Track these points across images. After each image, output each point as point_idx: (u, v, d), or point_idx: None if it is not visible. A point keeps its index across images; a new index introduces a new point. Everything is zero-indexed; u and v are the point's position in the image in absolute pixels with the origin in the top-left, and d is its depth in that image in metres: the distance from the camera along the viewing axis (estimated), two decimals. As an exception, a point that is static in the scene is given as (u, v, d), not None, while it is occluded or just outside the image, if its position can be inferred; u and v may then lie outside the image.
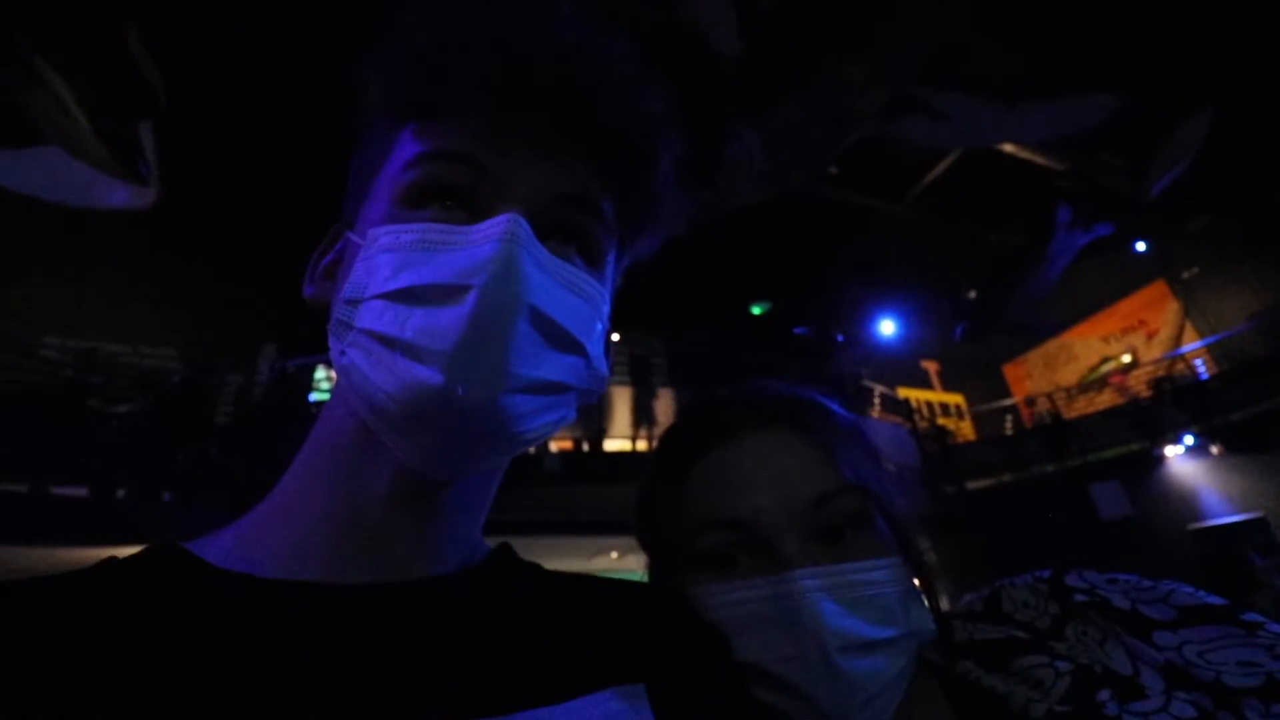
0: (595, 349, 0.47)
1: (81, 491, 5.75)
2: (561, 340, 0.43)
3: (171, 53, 4.95)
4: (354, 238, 0.46)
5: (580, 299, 0.44)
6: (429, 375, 0.38)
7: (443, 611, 0.43)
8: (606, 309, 0.49)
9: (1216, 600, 0.53)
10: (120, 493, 5.98)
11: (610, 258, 0.50)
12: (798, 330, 11.95)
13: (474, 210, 0.44)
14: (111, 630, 0.35)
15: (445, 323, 0.38)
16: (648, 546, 0.64)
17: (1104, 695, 0.49)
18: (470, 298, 0.38)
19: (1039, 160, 8.72)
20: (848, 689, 0.51)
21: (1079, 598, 0.56)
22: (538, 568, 0.51)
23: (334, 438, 0.46)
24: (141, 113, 4.87)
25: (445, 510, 0.46)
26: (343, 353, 0.43)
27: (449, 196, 0.44)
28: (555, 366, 0.43)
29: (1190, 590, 0.54)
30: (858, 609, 0.52)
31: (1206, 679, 0.48)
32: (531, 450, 9.40)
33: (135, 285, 8.96)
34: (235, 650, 0.35)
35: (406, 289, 0.40)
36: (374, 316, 0.41)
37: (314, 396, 8.20)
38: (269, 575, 0.40)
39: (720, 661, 0.51)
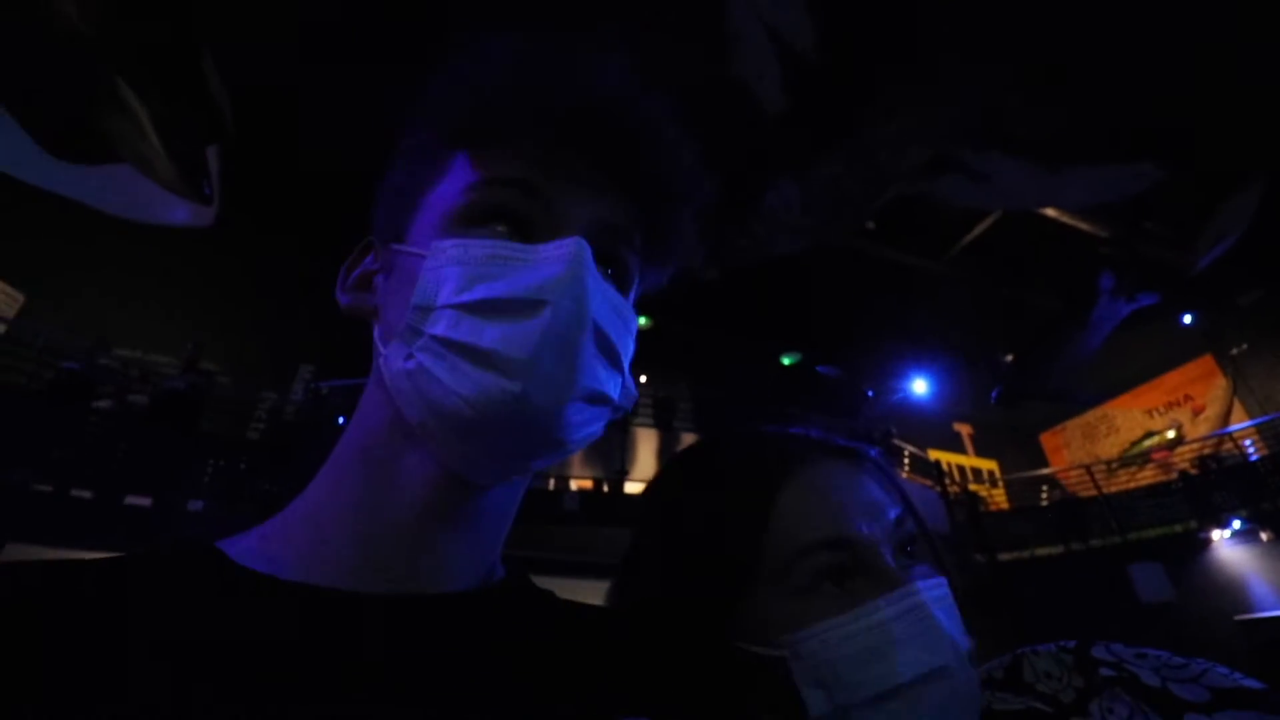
0: (628, 371, 0.51)
1: (128, 498, 5.90)
2: (612, 356, 0.47)
3: (236, 80, 5.24)
4: (408, 249, 0.48)
5: (623, 323, 0.48)
6: (507, 383, 0.41)
7: (455, 629, 0.43)
8: (634, 332, 0.52)
9: (1254, 684, 0.50)
10: (148, 501, 6.11)
11: (634, 286, 0.54)
12: (821, 369, 11.81)
13: (531, 234, 0.47)
14: (131, 616, 0.36)
15: (523, 333, 0.42)
16: (701, 581, 0.59)
17: None
18: (546, 312, 0.42)
19: (1082, 226, 8.63)
20: (973, 699, 0.50)
21: (1106, 671, 0.54)
22: (552, 595, 0.52)
23: (368, 441, 0.47)
24: (210, 136, 5.13)
25: (472, 521, 0.47)
26: (409, 356, 0.44)
27: (510, 220, 0.47)
28: (607, 380, 0.46)
29: (1225, 671, 0.52)
30: (955, 622, 0.52)
31: None
32: (551, 487, 9.38)
33: (183, 300, 9.31)
34: (245, 647, 0.36)
35: (483, 300, 0.43)
36: (449, 325, 0.43)
37: (343, 419, 8.34)
38: (289, 578, 0.41)
39: (730, 699, 0.51)
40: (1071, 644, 0.58)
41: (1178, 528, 9.49)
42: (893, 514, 0.57)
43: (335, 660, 0.37)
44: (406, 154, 0.52)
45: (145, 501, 6.05)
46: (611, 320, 0.46)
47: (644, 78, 0.50)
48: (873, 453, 0.64)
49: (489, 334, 0.42)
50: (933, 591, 0.52)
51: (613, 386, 0.47)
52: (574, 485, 9.82)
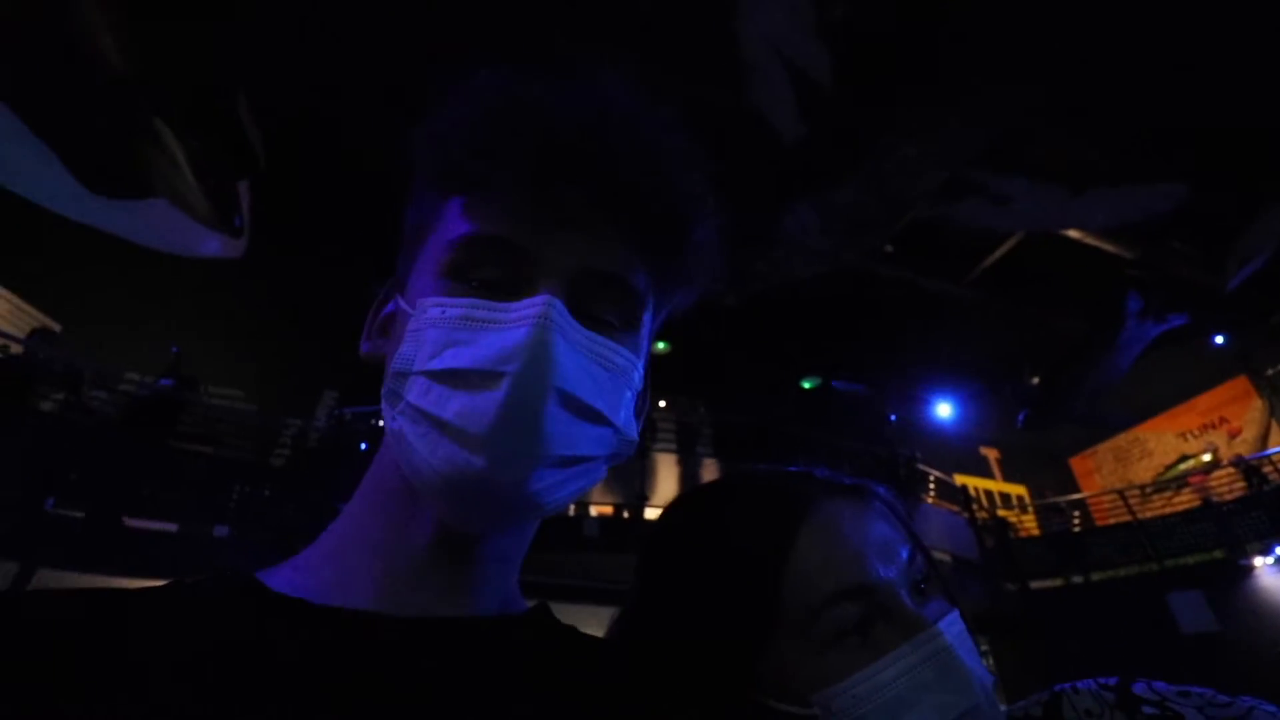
0: (625, 416, 0.49)
1: (148, 524, 5.98)
2: (590, 415, 0.45)
3: (270, 109, 5.42)
4: (404, 304, 0.49)
5: (610, 372, 0.47)
6: (466, 457, 0.41)
7: (479, 649, 0.45)
8: (639, 373, 0.51)
9: None
10: (174, 527, 6.19)
11: (646, 318, 0.52)
12: (837, 384, 11.68)
13: (514, 286, 0.46)
14: (175, 639, 0.38)
15: (480, 407, 0.41)
16: (717, 633, 0.56)
17: None
18: (504, 385, 0.41)
19: (1107, 246, 8.51)
20: None
21: (1149, 710, 0.52)
22: (573, 628, 0.52)
23: (382, 485, 0.50)
24: (242, 171, 5.30)
25: (481, 559, 0.49)
26: (394, 418, 0.46)
27: (490, 275, 0.47)
28: (584, 441, 0.45)
29: (1272, 709, 0.50)
30: (975, 657, 0.52)
31: None
32: (571, 513, 9.34)
33: (210, 327, 9.52)
34: (281, 666, 0.38)
35: (448, 370, 0.43)
36: (420, 393, 0.44)
37: (365, 445, 8.41)
38: (319, 601, 0.43)
39: None
40: (1113, 681, 0.57)
41: (1218, 554, 9.16)
42: (904, 552, 0.57)
43: (359, 674, 0.39)
44: (414, 197, 0.53)
45: (171, 528, 6.13)
46: (588, 379, 0.45)
47: (642, 98, 0.49)
48: (879, 490, 0.63)
49: (452, 406, 0.42)
50: (952, 629, 0.52)
51: (594, 443, 0.46)
52: (594, 511, 9.75)
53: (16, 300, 8.22)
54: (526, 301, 0.44)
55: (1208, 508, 9.90)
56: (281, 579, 0.46)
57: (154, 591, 0.42)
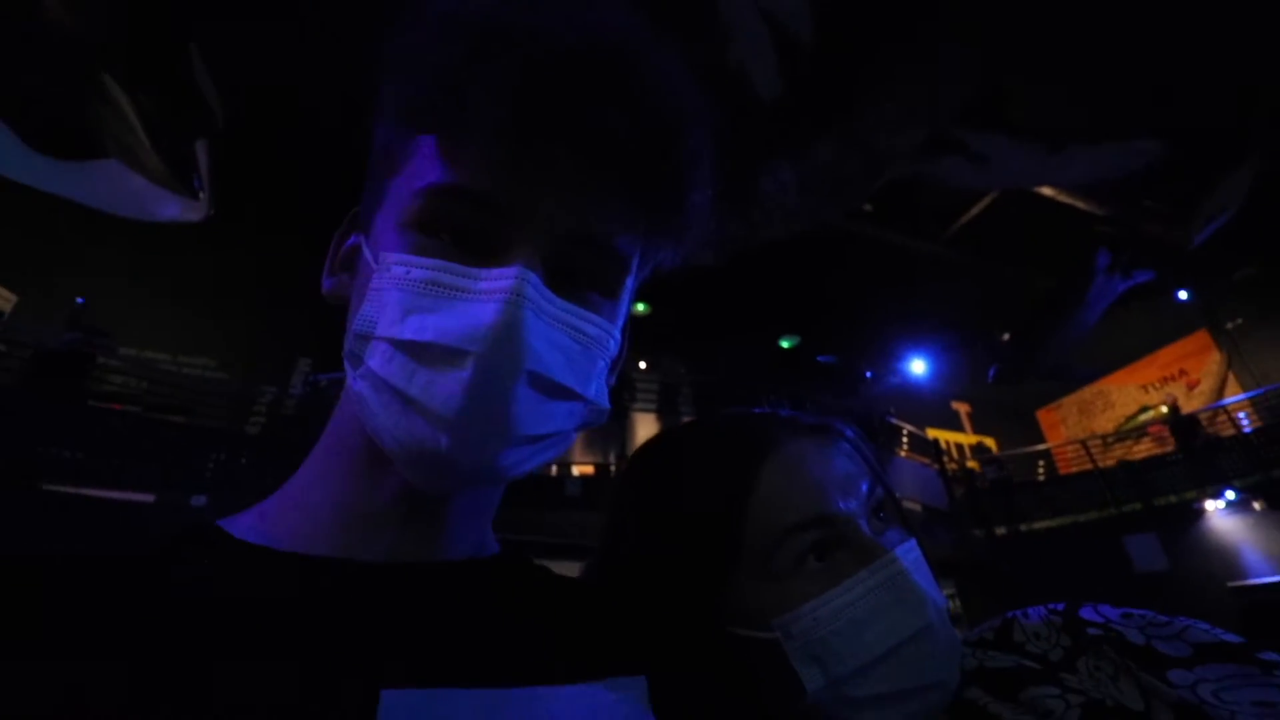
0: (596, 388, 0.46)
1: (125, 496, 5.91)
2: (560, 393, 0.43)
3: (228, 74, 5.19)
4: (367, 252, 0.46)
5: (583, 344, 0.44)
6: (431, 434, 0.39)
7: (449, 591, 0.44)
8: (615, 339, 0.48)
9: (1233, 638, 0.52)
10: (151, 497, 6.13)
11: (628, 283, 0.49)
12: (821, 358, 11.84)
13: (487, 244, 0.42)
14: (142, 591, 0.37)
15: (446, 387, 0.39)
16: (683, 568, 0.59)
17: None
18: (469, 365, 0.38)
19: (1079, 204, 8.61)
20: (954, 651, 0.53)
21: (1092, 631, 0.56)
22: (545, 567, 0.53)
23: (344, 441, 0.47)
24: (199, 130, 5.09)
25: (451, 512, 0.48)
26: (355, 380, 0.43)
27: (460, 230, 0.43)
28: (551, 419, 0.43)
29: (1206, 627, 0.54)
30: (930, 582, 0.55)
31: (1220, 718, 0.47)
32: (553, 473, 9.42)
33: (178, 295, 9.27)
34: (245, 615, 0.37)
35: (412, 342, 0.40)
36: (383, 361, 0.41)
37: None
38: (285, 549, 0.43)
39: (725, 676, 0.51)
40: (1060, 606, 0.60)
41: (1172, 499, 9.60)
42: (864, 485, 0.58)
43: (328, 622, 0.38)
44: (381, 125, 0.48)
45: (148, 498, 6.07)
46: (560, 356, 0.42)
47: (643, 24, 0.43)
48: (838, 425, 0.65)
49: (417, 380, 0.40)
50: (909, 556, 0.54)
51: (563, 419, 0.44)
52: (576, 471, 9.86)
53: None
54: (497, 272, 0.40)
55: (1164, 456, 10.33)
56: (244, 526, 0.45)
57: (112, 554, 0.40)
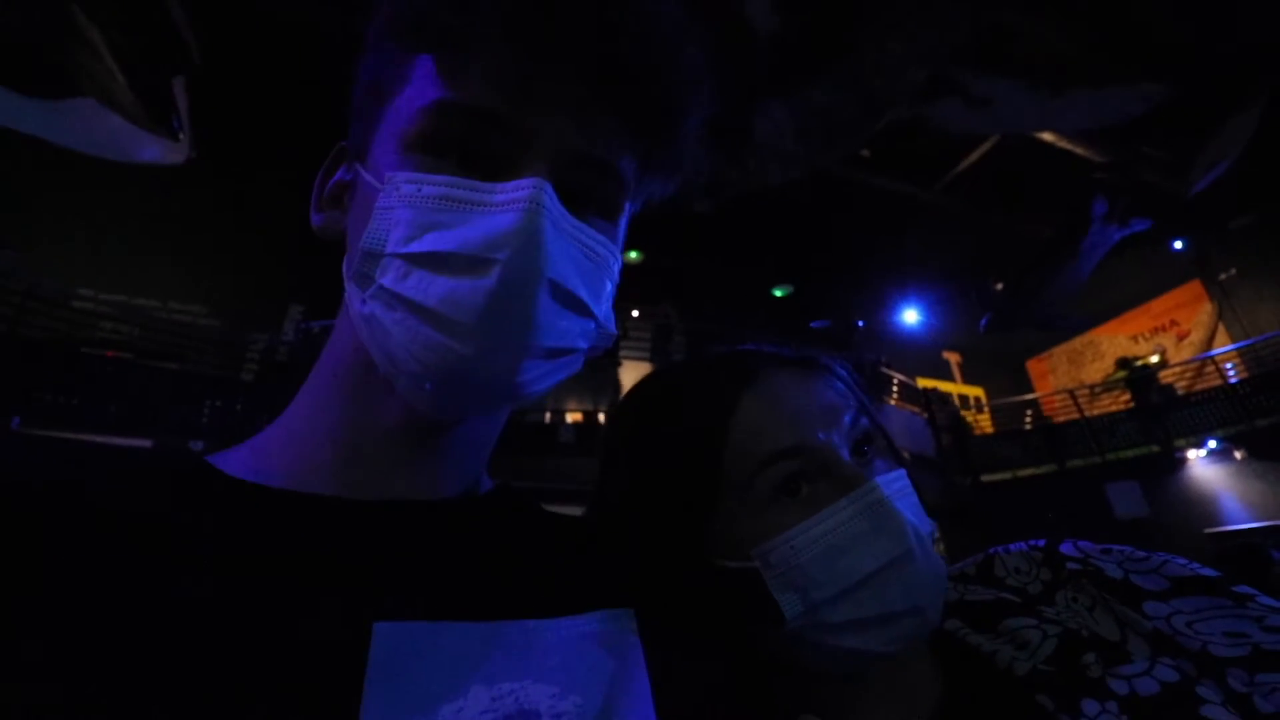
0: (605, 308, 0.47)
1: (125, 441, 5.94)
2: (577, 306, 0.43)
3: (207, 8, 4.97)
4: (366, 176, 0.45)
5: (594, 263, 0.44)
6: (453, 344, 0.39)
7: (443, 528, 0.45)
8: (618, 264, 0.48)
9: (1209, 572, 0.53)
10: (149, 443, 6.17)
11: (626, 207, 0.50)
12: (814, 324, 11.84)
13: (495, 164, 0.42)
14: (132, 524, 0.37)
15: (469, 295, 0.38)
16: (666, 503, 0.59)
17: (1089, 658, 0.51)
18: (494, 272, 0.38)
19: (1078, 150, 8.49)
20: (937, 580, 0.53)
21: (1071, 566, 0.57)
22: (537, 504, 0.54)
23: (341, 369, 0.47)
24: (175, 67, 4.90)
25: (450, 446, 0.48)
26: (363, 302, 0.42)
27: (468, 149, 0.42)
28: (569, 334, 0.43)
29: (1184, 562, 0.55)
30: (914, 510, 0.54)
31: (1193, 648, 0.49)
32: (546, 420, 9.51)
33: (168, 242, 9.10)
34: (240, 552, 0.37)
35: (431, 253, 0.40)
36: (397, 276, 0.40)
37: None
38: (278, 485, 0.42)
39: (707, 605, 0.53)
40: (1041, 543, 0.61)
41: (1155, 448, 9.81)
42: (848, 416, 0.57)
43: (322, 559, 0.39)
44: (372, 51, 0.46)
45: (146, 443, 6.11)
46: (575, 270, 0.42)
47: None
48: (823, 358, 0.65)
49: (435, 291, 0.39)
50: (893, 485, 0.54)
51: (578, 336, 0.45)
52: (569, 418, 9.96)
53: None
54: (515, 183, 0.40)
55: (1148, 405, 10.50)
56: (237, 462, 0.45)
57: (101, 479, 0.40)
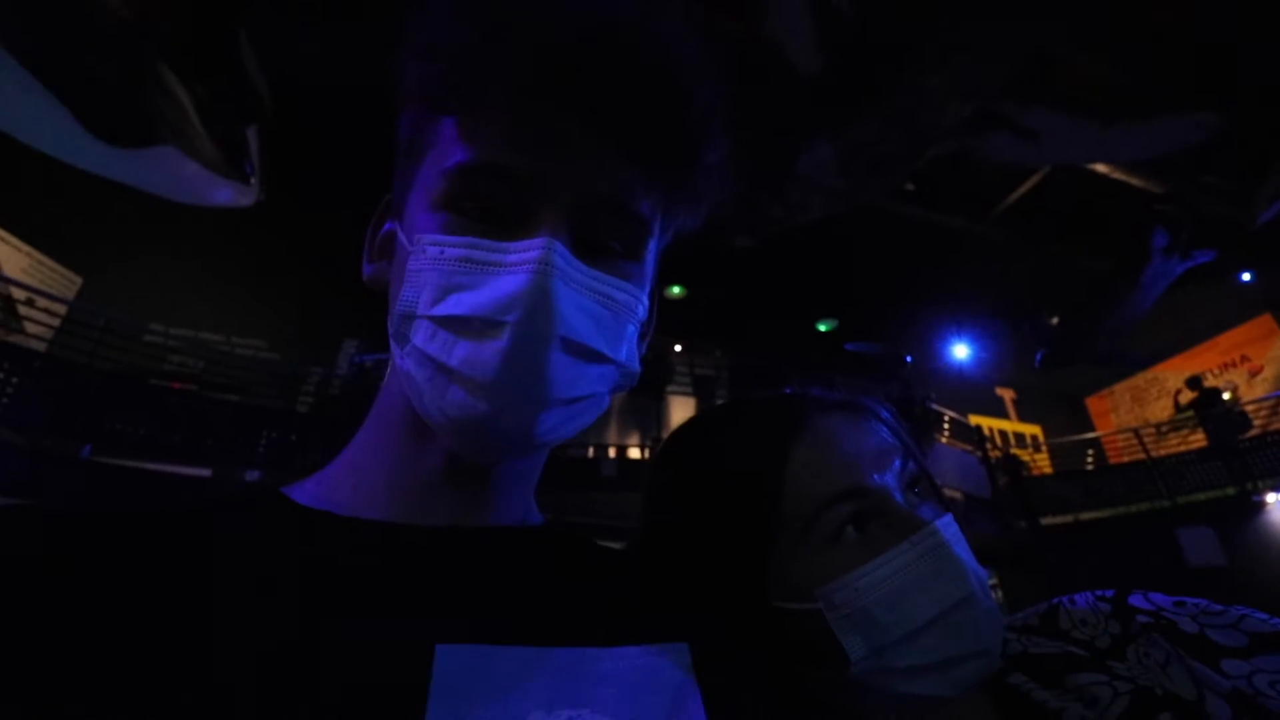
0: (627, 351, 0.49)
1: (186, 470, 6.21)
2: (592, 357, 0.45)
3: (272, 56, 5.31)
4: (402, 236, 0.48)
5: (612, 310, 0.46)
6: (473, 403, 0.42)
7: (499, 554, 0.48)
8: (643, 304, 0.50)
9: None
10: (208, 472, 6.42)
11: (651, 245, 0.51)
12: (849, 346, 11.61)
13: (514, 218, 0.44)
14: (202, 548, 0.40)
15: (484, 356, 0.41)
16: (722, 544, 0.60)
17: (1165, 718, 0.48)
18: (506, 334, 0.41)
19: (1134, 181, 8.23)
20: (997, 622, 0.53)
21: (1142, 619, 0.55)
22: (589, 537, 0.55)
23: (391, 415, 0.50)
24: (250, 117, 5.23)
25: (496, 478, 0.51)
26: (402, 358, 0.46)
27: (489, 206, 0.45)
28: (586, 382, 0.45)
29: (1264, 617, 0.52)
30: (968, 551, 0.55)
31: (1278, 709, 0.46)
32: (590, 454, 9.52)
33: (231, 279, 9.58)
34: (305, 572, 0.40)
35: (452, 317, 0.43)
36: (426, 338, 0.44)
37: (386, 390, 8.56)
38: (343, 513, 0.46)
39: (764, 634, 0.53)
40: (1109, 593, 0.59)
41: (1230, 491, 9.20)
42: (897, 460, 0.59)
43: (383, 580, 0.41)
44: (405, 111, 0.50)
45: (205, 472, 6.36)
46: (589, 321, 0.44)
47: (645, 9, 0.45)
48: (869, 402, 0.66)
49: (457, 352, 0.42)
50: (948, 529, 0.54)
51: (595, 382, 0.46)
52: (612, 453, 9.95)
53: (37, 254, 8.31)
54: (525, 244, 0.42)
55: (1221, 445, 9.89)
56: (305, 492, 0.48)
57: (186, 512, 0.43)
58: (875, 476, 0.56)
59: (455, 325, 0.43)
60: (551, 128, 0.44)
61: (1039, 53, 5.25)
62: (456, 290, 0.43)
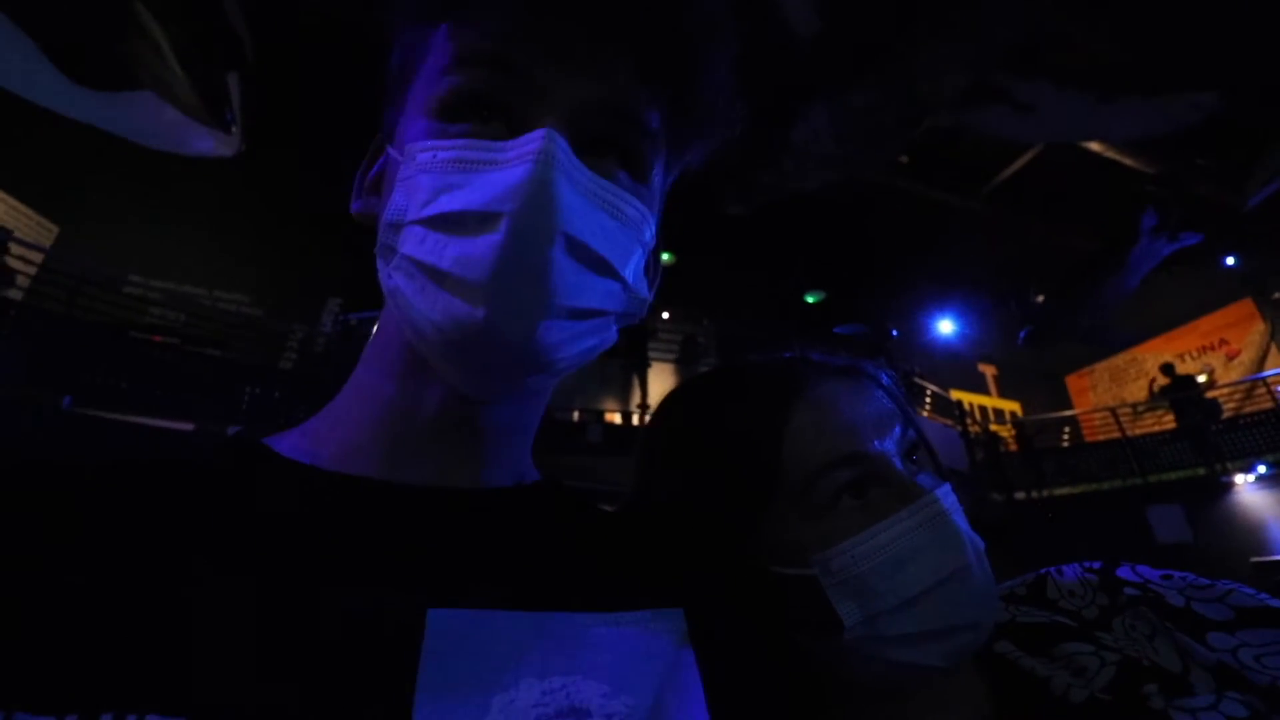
0: (635, 271, 0.46)
1: (169, 424, 6.16)
2: (599, 266, 0.42)
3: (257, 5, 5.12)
4: (393, 153, 0.45)
5: (619, 221, 0.43)
6: (467, 308, 0.38)
7: (492, 516, 0.45)
8: (650, 228, 0.47)
9: (1278, 604, 0.52)
10: (190, 426, 6.38)
11: (657, 169, 0.48)
12: (838, 329, 11.64)
13: (512, 119, 0.42)
14: (191, 503, 0.38)
15: (479, 252, 0.38)
16: (718, 505, 0.59)
17: (1150, 689, 0.48)
18: (502, 226, 0.37)
19: (1126, 161, 8.22)
20: (992, 595, 0.53)
21: (1130, 591, 0.55)
22: (584, 498, 0.53)
23: (384, 354, 0.47)
24: (230, 62, 5.06)
25: (491, 429, 0.47)
26: (390, 275, 0.43)
27: (485, 107, 0.42)
28: (592, 294, 0.42)
29: (1251, 592, 0.53)
30: (965, 521, 0.54)
31: (1262, 683, 0.47)
32: (575, 419, 9.56)
33: (214, 232, 9.39)
34: (291, 530, 0.38)
35: (443, 215, 0.39)
36: (415, 243, 0.40)
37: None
38: (329, 468, 0.43)
39: (762, 610, 0.52)
40: (1097, 565, 0.60)
41: (1200, 471, 9.44)
42: (898, 427, 0.58)
43: (372, 541, 0.39)
44: (396, 39, 0.48)
45: (188, 426, 6.31)
46: (597, 225, 0.41)
47: None
48: (869, 368, 0.65)
49: (449, 253, 0.39)
50: (948, 498, 0.54)
51: (603, 297, 0.43)
52: (598, 418, 10.02)
53: (12, 201, 8.07)
54: (524, 137, 0.39)
55: (1194, 427, 10.11)
56: (289, 444, 0.45)
57: (162, 461, 0.41)
58: (875, 443, 0.55)
59: (447, 224, 0.39)
60: (550, 30, 0.41)
61: (1039, 24, 5.17)
62: (449, 190, 0.40)
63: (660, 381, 11.29)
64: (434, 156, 0.41)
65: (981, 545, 0.53)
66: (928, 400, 11.61)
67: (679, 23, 0.44)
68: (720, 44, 0.47)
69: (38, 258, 7.37)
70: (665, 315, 12.29)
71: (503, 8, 0.41)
